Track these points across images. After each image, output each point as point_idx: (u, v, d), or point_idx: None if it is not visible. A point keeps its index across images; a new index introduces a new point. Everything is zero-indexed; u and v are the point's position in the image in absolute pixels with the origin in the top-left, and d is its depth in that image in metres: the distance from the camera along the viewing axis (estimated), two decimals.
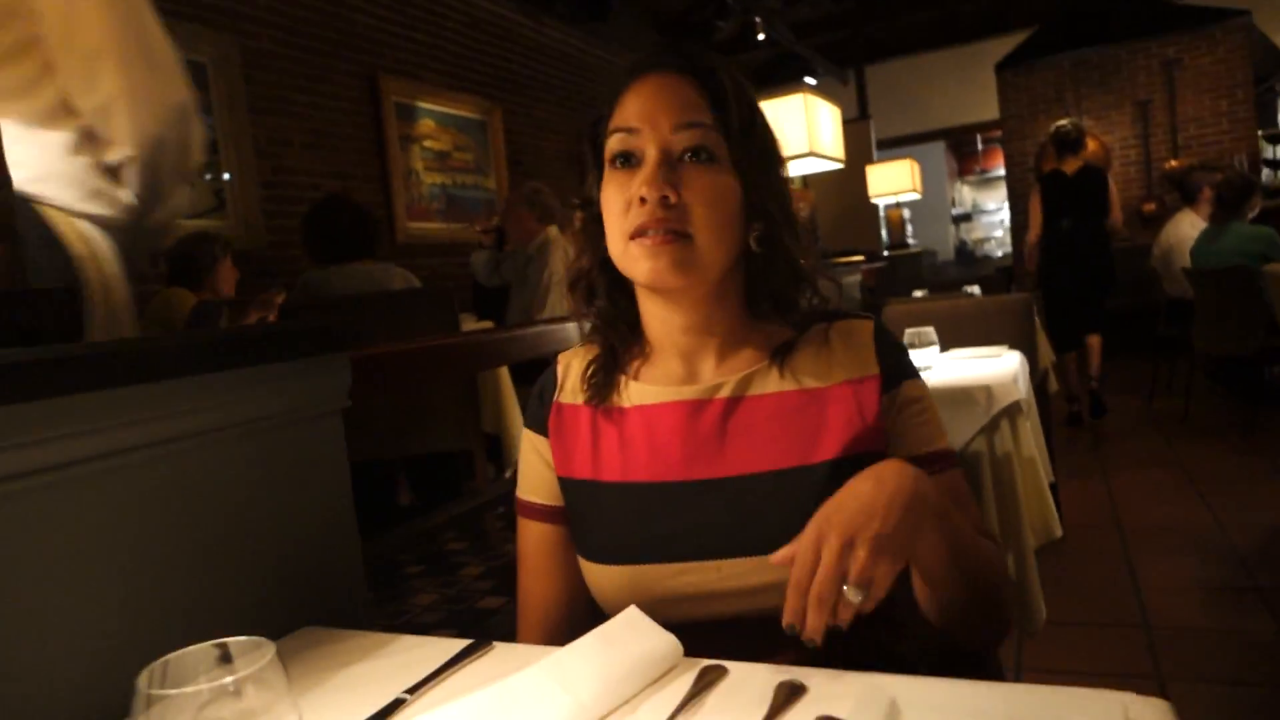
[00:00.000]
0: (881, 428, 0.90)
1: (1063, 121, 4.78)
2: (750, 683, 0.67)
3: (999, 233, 11.89)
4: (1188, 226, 4.99)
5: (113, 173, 1.06)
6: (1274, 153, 8.01)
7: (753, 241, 0.89)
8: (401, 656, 0.80)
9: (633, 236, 0.86)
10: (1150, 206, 7.30)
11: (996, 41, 8.36)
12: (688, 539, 0.88)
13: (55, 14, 1.01)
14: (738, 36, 7.00)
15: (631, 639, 0.73)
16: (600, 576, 0.92)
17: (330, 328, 1.04)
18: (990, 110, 8.24)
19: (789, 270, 0.92)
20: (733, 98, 0.88)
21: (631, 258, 0.87)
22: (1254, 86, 7.17)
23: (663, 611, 0.79)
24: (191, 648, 0.51)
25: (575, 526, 0.97)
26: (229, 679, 0.47)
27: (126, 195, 1.08)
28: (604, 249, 0.93)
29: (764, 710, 0.62)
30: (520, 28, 5.94)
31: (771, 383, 0.91)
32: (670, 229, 0.84)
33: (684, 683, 0.68)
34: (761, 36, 7.06)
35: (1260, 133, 7.33)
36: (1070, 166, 4.70)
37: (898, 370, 0.92)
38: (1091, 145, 6.62)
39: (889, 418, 0.90)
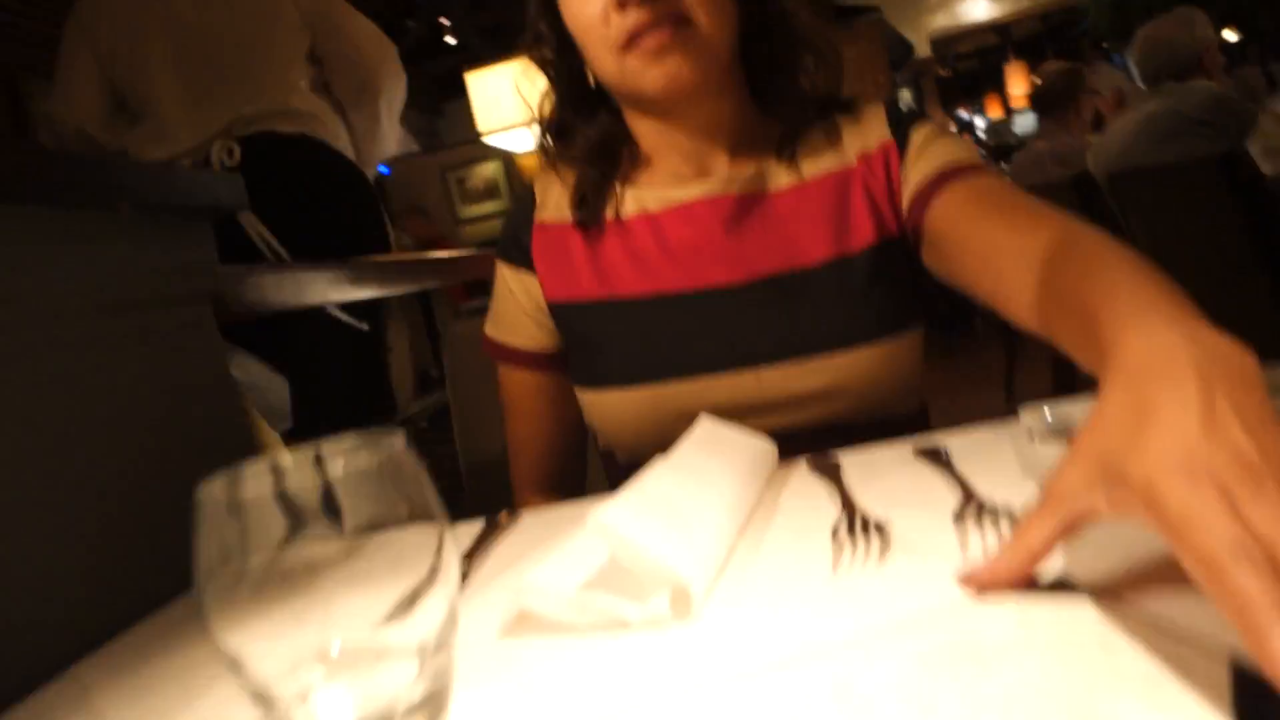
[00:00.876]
0: (901, 185, 0.81)
1: None
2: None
3: None
4: None
5: None
6: None
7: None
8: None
9: (626, 46, 0.73)
10: None
11: None
12: (719, 348, 0.79)
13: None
14: (426, 39, 6.88)
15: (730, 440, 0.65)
16: (616, 405, 0.81)
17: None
18: None
19: (789, 37, 0.82)
20: None
21: (633, 71, 0.74)
22: (892, 72, 8.20)
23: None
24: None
25: (579, 354, 0.86)
26: None
27: None
28: (575, 81, 0.84)
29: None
30: None
31: (786, 175, 0.83)
32: (668, 17, 0.72)
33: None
34: (452, 40, 7.00)
35: None
36: None
37: (908, 121, 0.83)
38: None
39: (907, 156, 0.81)
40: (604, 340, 0.84)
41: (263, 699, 0.38)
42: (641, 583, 0.47)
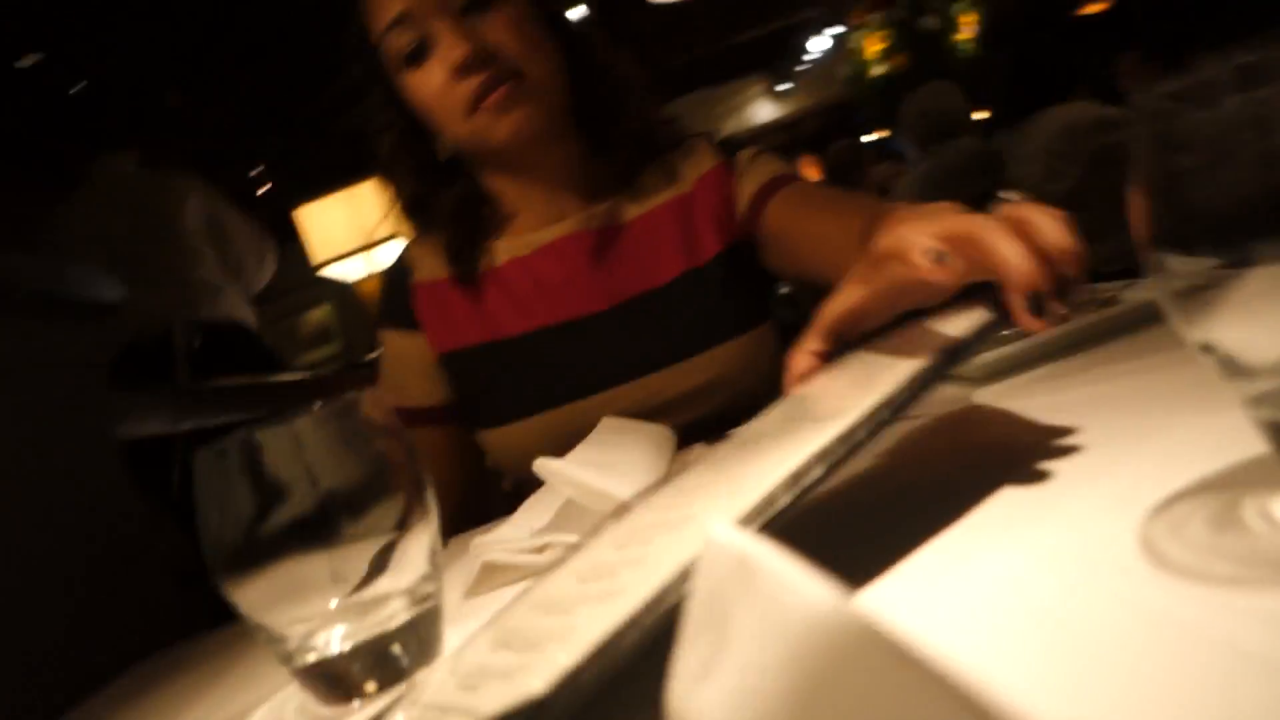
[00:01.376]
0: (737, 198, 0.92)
1: None
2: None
3: None
4: None
5: None
6: None
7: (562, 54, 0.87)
8: None
9: (472, 108, 0.82)
10: None
11: None
12: (606, 367, 0.86)
13: None
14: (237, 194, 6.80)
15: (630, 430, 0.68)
16: (518, 437, 0.86)
17: None
18: None
19: (610, 78, 0.93)
20: None
21: (483, 128, 0.83)
22: None
23: None
24: None
25: (475, 398, 0.90)
26: None
27: None
28: (426, 156, 0.89)
29: None
30: None
31: (634, 207, 0.92)
32: (500, 78, 0.81)
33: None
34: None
35: None
36: None
37: (735, 149, 0.95)
38: None
39: (737, 178, 0.93)
40: (496, 379, 0.90)
41: (275, 640, 0.41)
42: (585, 511, 0.52)
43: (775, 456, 0.34)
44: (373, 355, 3.64)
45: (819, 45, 8.05)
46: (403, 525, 0.43)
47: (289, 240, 3.89)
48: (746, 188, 0.93)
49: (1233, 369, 0.29)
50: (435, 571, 0.45)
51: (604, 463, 0.57)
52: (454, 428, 0.95)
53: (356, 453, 0.44)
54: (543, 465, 0.52)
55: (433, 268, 0.95)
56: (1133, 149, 0.30)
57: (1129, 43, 2.78)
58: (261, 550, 0.41)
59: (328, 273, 3.54)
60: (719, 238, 0.92)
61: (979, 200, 0.48)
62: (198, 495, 0.42)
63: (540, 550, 0.51)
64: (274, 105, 5.64)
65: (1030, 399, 0.53)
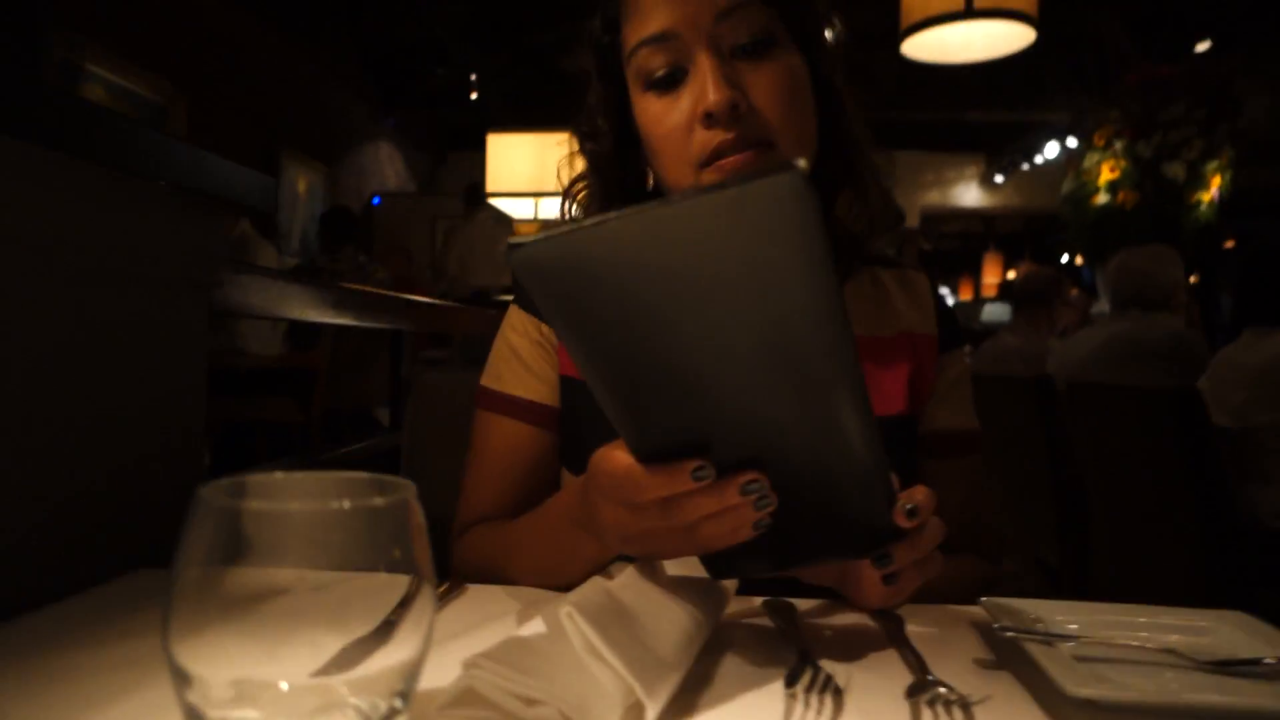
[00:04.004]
0: (930, 392, 0.84)
1: None
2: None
3: None
4: None
5: None
6: None
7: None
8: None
9: (706, 164, 0.72)
10: None
11: None
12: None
13: None
14: (449, 87, 7.03)
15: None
16: None
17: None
18: None
19: (858, 151, 0.79)
20: None
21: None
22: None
23: None
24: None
25: (581, 437, 0.80)
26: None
27: None
28: (630, 180, 0.82)
29: None
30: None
31: None
32: (748, 142, 0.70)
33: None
34: (474, 96, 7.16)
35: None
36: None
37: (954, 335, 0.86)
38: None
39: (940, 381, 0.85)
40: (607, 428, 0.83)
41: (194, 697, 0.37)
42: (596, 688, 0.46)
43: None
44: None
45: (1051, 149, 7.66)
46: (381, 631, 0.38)
47: (475, 150, 4.01)
48: (940, 415, 0.85)
49: None
50: (404, 705, 0.39)
51: (639, 621, 0.50)
52: (553, 439, 0.85)
53: (379, 541, 0.39)
54: (570, 617, 0.46)
55: None
56: None
57: None
58: (232, 605, 0.37)
59: (497, 203, 3.61)
60: (904, 399, 0.82)
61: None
62: (191, 517, 0.37)
63: (530, 704, 0.45)
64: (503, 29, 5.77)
65: None
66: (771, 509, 0.52)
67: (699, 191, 0.40)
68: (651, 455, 0.51)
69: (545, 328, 0.85)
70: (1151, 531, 2.01)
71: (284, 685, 0.37)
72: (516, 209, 3.53)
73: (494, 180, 3.32)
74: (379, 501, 0.38)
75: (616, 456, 0.54)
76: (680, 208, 0.41)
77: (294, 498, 0.41)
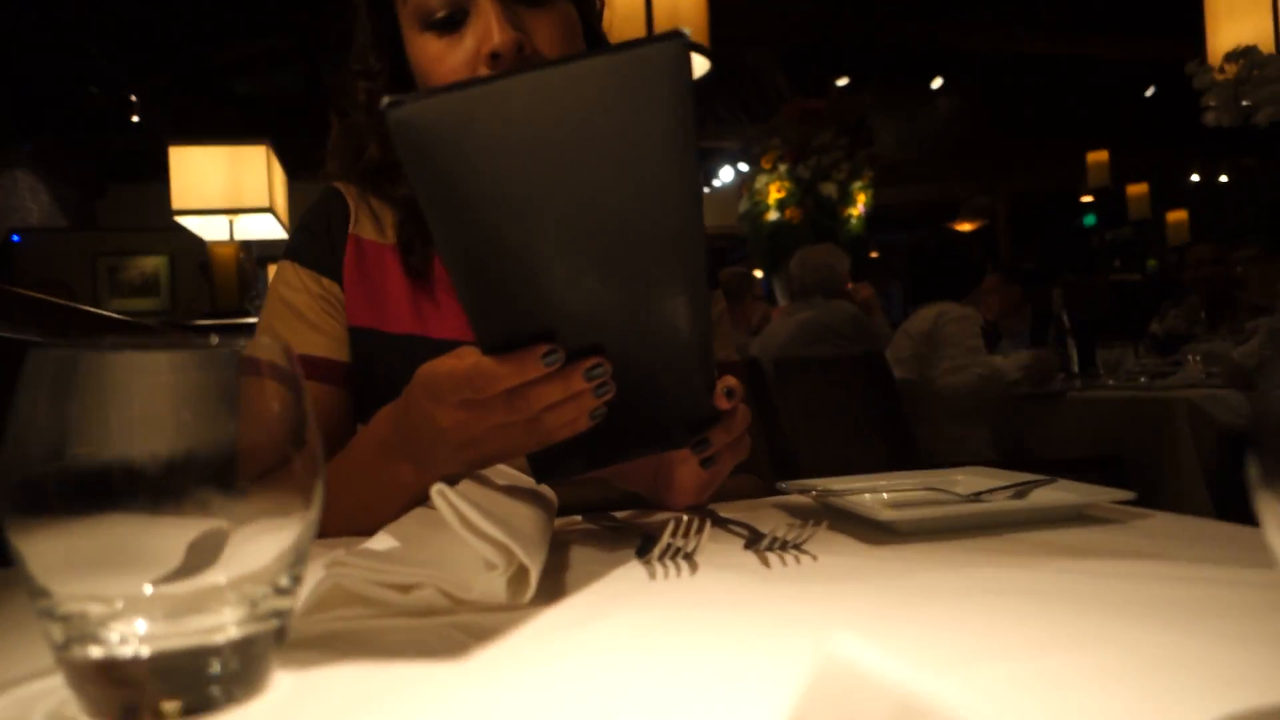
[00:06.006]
0: None
1: None
2: None
3: None
4: None
5: None
6: None
7: None
8: None
9: None
10: None
11: None
12: None
13: None
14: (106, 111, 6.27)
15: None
16: None
17: None
18: None
19: None
20: None
21: None
22: None
23: None
24: None
25: (376, 387, 0.76)
26: None
27: None
28: None
29: None
30: None
31: None
32: None
33: None
34: (136, 119, 6.44)
35: None
36: None
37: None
38: None
39: None
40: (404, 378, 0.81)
41: (54, 615, 0.32)
42: (475, 562, 0.45)
43: None
44: (203, 321, 3.35)
45: (726, 173, 8.42)
46: (271, 511, 0.35)
47: (156, 176, 3.55)
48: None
49: None
50: (293, 585, 0.36)
51: (500, 515, 0.50)
52: (348, 397, 0.83)
53: (229, 408, 0.35)
54: (441, 494, 0.44)
55: (374, 229, 0.86)
56: None
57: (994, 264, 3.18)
58: (73, 492, 0.32)
59: (185, 222, 3.25)
60: None
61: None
62: (18, 399, 0.32)
63: (405, 590, 0.43)
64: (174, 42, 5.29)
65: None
66: (609, 396, 0.54)
67: (586, 55, 0.42)
68: (496, 348, 0.51)
69: (326, 280, 0.83)
70: (851, 471, 2.36)
71: (147, 589, 0.33)
72: (208, 228, 3.21)
73: (181, 197, 2.99)
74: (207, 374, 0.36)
75: (457, 358, 0.54)
76: (569, 70, 0.42)
77: (130, 370, 0.36)
